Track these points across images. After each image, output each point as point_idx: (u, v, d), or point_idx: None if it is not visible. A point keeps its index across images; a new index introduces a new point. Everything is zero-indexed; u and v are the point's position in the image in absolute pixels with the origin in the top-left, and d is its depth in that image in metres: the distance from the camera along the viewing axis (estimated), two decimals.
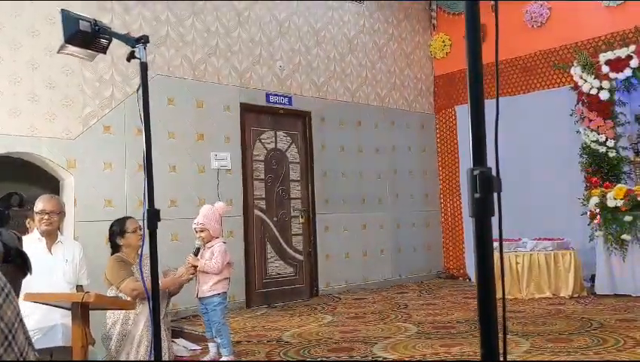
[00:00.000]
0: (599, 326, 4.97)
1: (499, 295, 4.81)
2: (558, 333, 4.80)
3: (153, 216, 2.05)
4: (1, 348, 1.13)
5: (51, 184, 5.74)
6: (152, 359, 2.02)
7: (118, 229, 4.21)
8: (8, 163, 5.79)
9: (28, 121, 5.32)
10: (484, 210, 0.97)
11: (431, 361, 3.95)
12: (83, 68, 5.66)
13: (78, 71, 5.66)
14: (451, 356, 4.17)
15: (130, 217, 4.34)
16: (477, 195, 0.96)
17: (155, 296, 2.08)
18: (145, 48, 2.16)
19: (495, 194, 0.98)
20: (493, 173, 0.98)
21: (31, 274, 1.49)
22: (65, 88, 5.58)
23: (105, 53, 2.35)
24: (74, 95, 5.64)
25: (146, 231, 2.11)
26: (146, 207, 2.05)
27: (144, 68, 2.14)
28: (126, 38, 2.23)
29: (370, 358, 4.26)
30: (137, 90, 2.12)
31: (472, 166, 0.99)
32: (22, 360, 1.20)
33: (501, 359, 1.04)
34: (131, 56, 2.18)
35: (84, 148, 5.66)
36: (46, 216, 3.90)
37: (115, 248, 4.23)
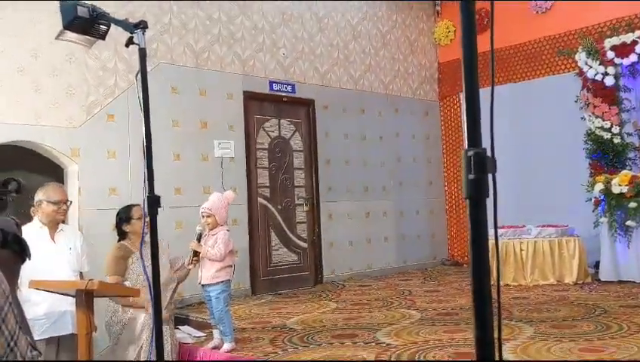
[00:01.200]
0: (603, 313, 4.97)
1: (504, 281, 4.84)
2: (562, 319, 4.80)
3: (153, 203, 2.06)
4: None
5: (56, 173, 5.76)
6: (154, 347, 2.03)
7: (124, 216, 4.24)
8: (13, 152, 5.81)
9: (31, 110, 5.32)
10: (478, 190, 0.96)
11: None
12: (86, 56, 5.65)
13: (82, 59, 5.65)
14: (455, 342, 4.18)
15: (136, 204, 4.35)
16: (471, 176, 0.95)
17: (155, 284, 2.09)
18: (144, 34, 2.15)
19: (490, 176, 0.97)
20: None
21: (29, 259, 1.50)
22: (68, 77, 5.58)
23: (104, 39, 2.34)
24: (77, 84, 5.63)
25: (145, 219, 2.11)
26: (147, 194, 2.05)
27: (143, 54, 2.13)
28: (124, 24, 2.22)
29: (373, 344, 4.27)
30: (136, 76, 2.12)
31: (466, 147, 0.99)
32: (12, 343, 1.21)
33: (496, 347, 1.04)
34: (130, 42, 2.17)
35: (88, 137, 5.66)
36: (64, 207, 3.93)
37: (122, 235, 4.26)
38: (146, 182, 2.05)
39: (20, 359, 1.23)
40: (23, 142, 5.40)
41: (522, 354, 3.80)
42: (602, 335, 4.18)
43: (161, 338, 2.05)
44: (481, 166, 0.95)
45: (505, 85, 8.38)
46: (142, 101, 2.08)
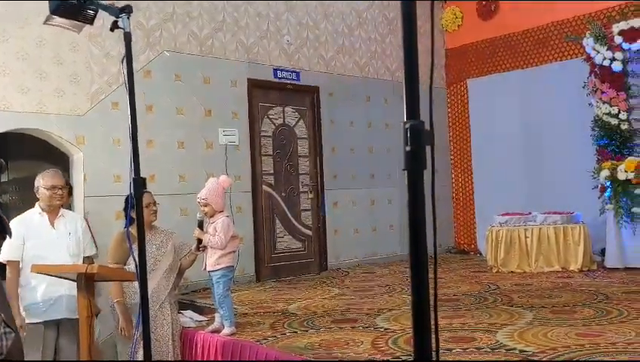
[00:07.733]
0: (605, 299, 4.95)
1: (509, 268, 4.81)
2: (562, 305, 4.79)
3: (139, 185, 2.09)
4: None
5: (62, 160, 5.84)
6: (140, 329, 2.07)
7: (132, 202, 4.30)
8: (19, 139, 5.89)
9: (36, 98, 5.39)
10: (415, 163, 0.97)
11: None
12: (90, 44, 5.71)
13: (85, 47, 5.70)
14: (452, 327, 4.20)
15: (146, 191, 4.39)
16: (407, 148, 0.97)
17: (142, 266, 2.13)
18: (128, 18, 2.18)
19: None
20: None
21: (10, 237, 1.55)
22: (72, 65, 5.63)
23: (92, 24, 2.37)
24: (81, 72, 5.69)
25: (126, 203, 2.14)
26: (132, 176, 2.09)
27: (128, 38, 2.16)
28: (110, 8, 2.25)
29: (372, 329, 4.31)
30: (122, 61, 2.15)
31: (404, 120, 1.00)
32: None
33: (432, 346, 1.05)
34: (114, 26, 2.20)
35: (93, 125, 5.73)
36: (59, 192, 3.99)
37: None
38: (132, 164, 2.09)
39: None
40: (30, 130, 5.48)
41: (519, 338, 3.81)
42: (601, 321, 4.17)
43: (147, 320, 2.09)
44: (418, 137, 0.97)
45: (512, 71, 8.34)
46: (127, 85, 2.11)
